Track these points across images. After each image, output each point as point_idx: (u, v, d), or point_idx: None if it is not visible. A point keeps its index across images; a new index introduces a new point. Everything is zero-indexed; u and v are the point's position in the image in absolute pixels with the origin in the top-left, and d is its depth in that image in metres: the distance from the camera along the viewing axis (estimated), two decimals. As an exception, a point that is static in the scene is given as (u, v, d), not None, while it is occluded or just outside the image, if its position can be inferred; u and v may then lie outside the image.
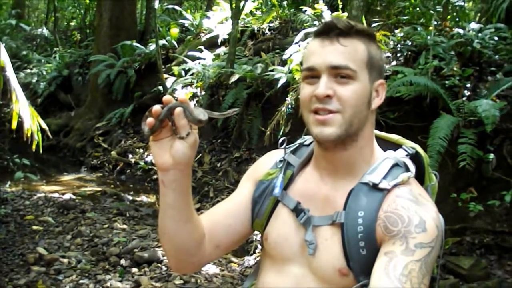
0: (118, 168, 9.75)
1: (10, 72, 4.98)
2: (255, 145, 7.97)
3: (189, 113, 1.24)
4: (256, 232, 1.56)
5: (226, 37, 10.18)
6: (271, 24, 10.42)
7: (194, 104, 8.82)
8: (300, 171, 1.50)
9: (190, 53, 10.12)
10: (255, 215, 1.51)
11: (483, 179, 5.27)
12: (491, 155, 5.16)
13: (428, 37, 6.42)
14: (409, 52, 6.75)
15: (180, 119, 1.23)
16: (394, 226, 1.24)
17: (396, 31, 7.49)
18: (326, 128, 1.31)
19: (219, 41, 10.36)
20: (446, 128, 5.13)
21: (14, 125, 5.00)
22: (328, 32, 1.34)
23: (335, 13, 8.21)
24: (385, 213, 1.27)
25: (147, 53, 11.62)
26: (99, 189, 8.43)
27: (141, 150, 9.81)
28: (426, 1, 10.00)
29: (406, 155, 1.41)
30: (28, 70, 14.89)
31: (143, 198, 8.07)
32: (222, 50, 10.13)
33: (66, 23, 21.44)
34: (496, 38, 6.53)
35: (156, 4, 11.66)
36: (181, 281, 4.55)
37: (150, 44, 11.91)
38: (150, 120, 1.23)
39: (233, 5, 9.00)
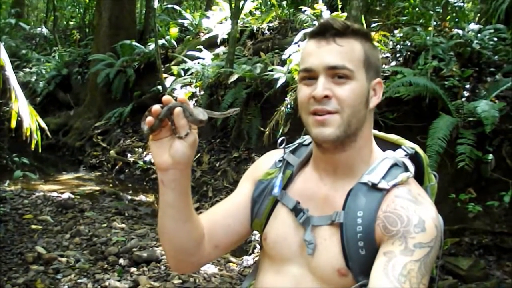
0: (117, 167, 9.74)
1: (9, 71, 4.98)
2: (254, 145, 7.97)
3: (188, 113, 1.24)
4: (255, 232, 1.56)
5: (226, 36, 10.18)
6: (271, 24, 10.42)
7: (194, 104, 8.83)
8: (300, 171, 1.50)
9: (189, 52, 10.11)
10: (254, 215, 1.51)
11: (482, 180, 5.27)
12: (490, 156, 5.16)
13: (428, 38, 6.42)
14: (409, 53, 6.75)
15: (179, 119, 1.23)
16: (393, 226, 1.24)
17: (396, 31, 7.49)
18: (325, 129, 1.31)
19: (218, 40, 10.36)
20: (445, 129, 5.13)
21: (13, 124, 5.01)
22: (324, 32, 1.34)
23: (334, 13, 8.21)
24: (384, 213, 1.27)
25: (146, 52, 11.61)
26: (98, 188, 8.43)
27: (140, 150, 9.80)
28: (426, 1, 10.01)
29: (405, 155, 1.41)
30: (27, 69, 14.89)
31: (142, 197, 8.07)
32: (221, 49, 10.13)
33: (65, 22, 21.44)
34: (495, 39, 6.54)
35: (156, 4, 11.65)
36: (180, 281, 4.55)
37: (149, 43, 11.91)
38: (149, 119, 1.23)
39: (233, 5, 9.00)
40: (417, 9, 10.13)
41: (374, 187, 1.31)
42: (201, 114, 1.28)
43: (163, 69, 10.33)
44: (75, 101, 13.07)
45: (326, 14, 8.12)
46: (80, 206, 6.76)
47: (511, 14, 7.10)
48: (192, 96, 9.26)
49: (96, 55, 12.07)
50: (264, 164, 1.57)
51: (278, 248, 1.45)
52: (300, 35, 7.86)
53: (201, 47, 10.23)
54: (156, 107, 1.23)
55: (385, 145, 1.47)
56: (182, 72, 9.81)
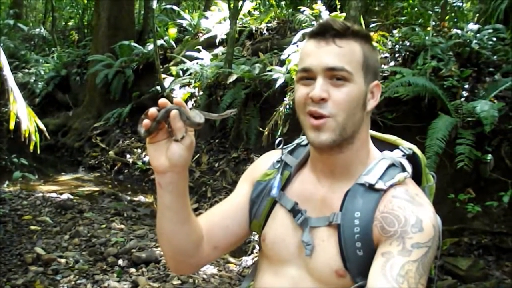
0: (116, 168, 9.74)
1: (7, 72, 4.99)
2: (253, 145, 7.97)
3: (185, 116, 1.24)
4: (254, 232, 1.56)
5: (224, 37, 10.18)
6: (269, 24, 10.42)
7: (192, 105, 8.83)
8: (298, 172, 1.50)
9: (188, 53, 10.10)
10: (253, 216, 1.51)
11: (481, 180, 5.27)
12: (489, 156, 5.16)
13: (426, 38, 6.42)
14: (407, 53, 6.75)
15: (175, 121, 1.22)
16: (391, 226, 1.24)
17: (394, 31, 7.48)
18: (321, 134, 1.31)
19: (217, 41, 10.35)
20: (444, 129, 5.13)
21: (11, 125, 5.01)
22: (324, 33, 1.33)
23: (333, 14, 8.21)
24: (382, 214, 1.27)
25: (145, 53, 11.61)
26: (97, 189, 8.43)
27: (139, 150, 9.80)
28: (425, 1, 10.01)
29: (403, 156, 1.41)
30: (26, 70, 14.87)
31: (141, 198, 8.07)
32: (220, 50, 10.12)
33: (64, 23, 21.44)
34: (494, 39, 6.53)
35: (154, 4, 11.64)
36: (179, 282, 4.55)
37: (148, 44, 11.90)
38: (146, 121, 1.23)
39: (231, 5, 9.00)
40: (416, 9, 10.13)
41: (371, 187, 1.31)
42: (198, 116, 1.27)
43: (161, 70, 10.32)
44: (74, 101, 13.07)
45: (325, 15, 8.12)
46: (79, 207, 6.77)
47: (510, 14, 7.10)
48: (191, 96, 9.26)
49: (95, 56, 12.07)
50: (262, 165, 1.56)
51: (276, 249, 1.44)
52: (299, 35, 7.85)
53: (199, 47, 10.22)
54: (152, 110, 1.23)
55: (383, 145, 1.47)
56: (181, 73, 9.80)
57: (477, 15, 8.73)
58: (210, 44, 10.53)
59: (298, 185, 1.47)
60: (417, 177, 1.42)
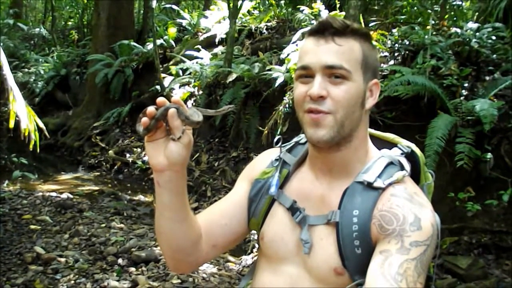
0: (115, 167, 9.75)
1: (7, 72, 4.99)
2: (252, 144, 7.97)
3: (184, 115, 1.24)
4: (253, 231, 1.56)
5: (224, 36, 10.18)
6: (269, 24, 10.42)
7: (192, 104, 8.83)
8: (296, 170, 1.50)
9: (188, 52, 10.10)
10: (251, 214, 1.51)
11: (481, 179, 5.27)
12: (489, 155, 5.16)
13: (426, 37, 6.42)
14: (407, 52, 6.74)
15: (173, 120, 1.22)
16: (389, 224, 1.24)
17: (394, 30, 7.48)
18: (319, 130, 1.31)
19: (216, 40, 10.35)
20: (444, 128, 5.13)
21: (11, 124, 5.01)
22: (323, 31, 1.33)
23: (332, 12, 8.21)
24: (380, 212, 1.27)
25: (144, 52, 11.61)
26: (96, 188, 8.43)
27: (139, 150, 9.80)
28: (424, 0, 10.01)
29: (401, 154, 1.41)
30: (26, 70, 14.89)
31: (141, 197, 8.07)
32: (219, 49, 10.12)
33: (63, 23, 21.47)
34: (494, 37, 6.53)
35: (154, 4, 11.65)
36: (179, 281, 4.55)
37: (147, 43, 11.90)
38: (144, 119, 1.23)
39: (231, 5, 9.00)
40: (415, 8, 10.12)
41: (369, 186, 1.31)
42: (196, 115, 1.28)
43: (161, 69, 10.33)
44: (74, 101, 13.09)
45: (324, 13, 8.12)
46: (79, 206, 6.77)
47: (510, 12, 7.10)
48: (191, 95, 9.26)
49: (95, 55, 12.07)
50: (261, 163, 1.56)
51: (275, 247, 1.44)
52: (298, 34, 7.85)
53: (199, 46, 10.22)
54: (150, 109, 1.23)
55: (381, 144, 1.47)
56: (180, 72, 9.80)
57: (477, 13, 8.73)
58: (209, 43, 10.54)
59: (297, 183, 1.47)
60: (415, 175, 1.42)
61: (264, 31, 10.22)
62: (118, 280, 4.52)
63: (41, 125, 5.43)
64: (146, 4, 13.51)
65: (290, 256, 1.41)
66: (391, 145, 1.46)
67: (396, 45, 6.95)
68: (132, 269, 4.80)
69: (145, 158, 9.28)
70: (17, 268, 4.72)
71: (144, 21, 13.78)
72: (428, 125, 5.25)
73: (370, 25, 8.17)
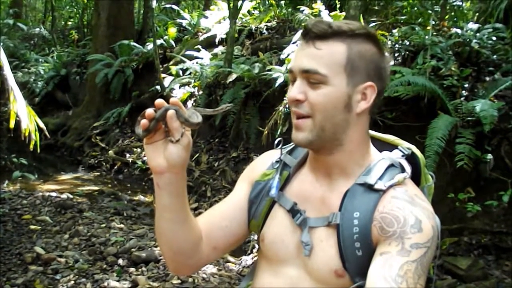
0: (115, 167, 9.75)
1: (8, 72, 4.99)
2: (252, 144, 7.97)
3: (183, 117, 1.24)
4: (253, 232, 1.56)
5: (224, 36, 10.18)
6: (269, 24, 10.42)
7: (192, 104, 8.83)
8: (297, 172, 1.49)
9: (188, 52, 10.10)
10: (252, 216, 1.50)
11: (481, 179, 5.27)
12: (489, 155, 5.16)
13: (426, 37, 6.42)
14: (407, 52, 6.74)
15: (172, 121, 1.22)
16: (390, 226, 1.23)
17: (394, 30, 7.48)
18: (298, 133, 1.33)
19: (216, 40, 10.35)
20: (444, 128, 5.13)
21: (11, 124, 5.01)
22: (305, 35, 1.33)
23: (333, 13, 8.21)
24: (381, 214, 1.27)
25: (144, 52, 11.61)
26: (96, 188, 8.44)
27: (139, 150, 9.80)
28: (424, 0, 10.00)
29: (402, 156, 1.40)
30: (26, 70, 14.89)
31: (141, 197, 8.07)
32: (219, 49, 10.12)
33: (63, 23, 21.47)
34: (494, 38, 6.53)
35: (154, 4, 11.65)
36: (179, 281, 4.56)
37: (147, 43, 11.90)
38: (144, 121, 1.23)
39: (231, 5, 9.00)
40: (415, 8, 10.11)
41: (370, 188, 1.31)
42: (195, 116, 1.27)
43: (161, 69, 10.33)
44: (74, 101, 13.09)
45: (325, 14, 8.11)
46: (79, 206, 6.77)
47: (510, 13, 7.11)
48: (191, 96, 9.27)
49: (95, 55, 12.07)
50: (261, 165, 1.56)
51: (275, 249, 1.44)
52: (298, 34, 7.84)
53: (199, 47, 10.22)
54: (149, 111, 1.23)
55: (382, 145, 1.46)
56: (180, 72, 9.81)
57: (477, 14, 8.73)
58: (209, 44, 10.54)
59: (297, 185, 1.46)
60: (416, 177, 1.42)
61: (264, 31, 10.22)
62: (118, 281, 4.52)
63: (42, 125, 5.44)
64: (146, 4, 13.52)
65: (290, 258, 1.41)
66: (391, 146, 1.45)
67: (397, 45, 6.94)
68: (132, 269, 4.81)
69: (145, 158, 9.26)
70: (17, 268, 4.72)
71: (144, 21, 13.79)
72: (428, 126, 5.25)
73: (371, 25, 8.15)
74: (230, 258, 5.39)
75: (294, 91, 1.31)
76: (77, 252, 5.14)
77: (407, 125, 5.80)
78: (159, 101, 1.24)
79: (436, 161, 4.96)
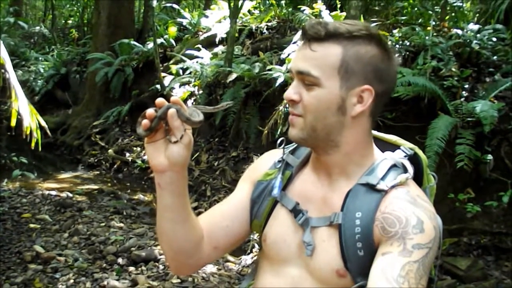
0: (115, 166, 9.74)
1: (9, 70, 4.98)
2: (252, 144, 7.97)
3: (184, 116, 1.23)
4: (253, 232, 1.56)
5: (224, 36, 10.17)
6: (269, 23, 10.40)
7: (192, 103, 8.82)
8: (299, 172, 1.49)
9: (188, 51, 10.09)
10: (254, 216, 1.50)
11: (481, 180, 5.28)
12: (489, 156, 5.17)
13: (427, 38, 6.43)
14: (408, 53, 6.75)
15: (173, 120, 1.22)
16: (392, 227, 1.23)
17: (395, 31, 7.48)
18: (291, 129, 1.37)
19: (217, 40, 10.34)
20: (444, 129, 5.14)
21: (13, 122, 5.00)
22: (303, 36, 1.34)
23: (333, 13, 8.21)
24: (383, 214, 1.27)
25: (145, 51, 11.60)
26: (96, 187, 8.44)
27: (138, 149, 9.79)
28: (425, 1, 10.00)
29: (405, 156, 1.40)
30: (26, 68, 14.88)
31: (140, 196, 8.07)
32: (220, 49, 10.11)
33: (63, 21, 21.46)
34: (494, 39, 6.54)
35: (154, 3, 11.66)
36: (178, 280, 4.56)
37: (148, 42, 11.89)
38: (145, 121, 1.23)
39: (231, 4, 8.99)
40: (416, 9, 10.12)
41: (372, 188, 1.30)
42: (196, 114, 1.27)
43: (161, 68, 10.32)
44: (74, 100, 13.07)
45: (325, 14, 8.11)
46: (78, 205, 6.77)
47: (510, 14, 7.11)
48: (191, 95, 9.26)
49: (95, 54, 12.06)
50: (263, 164, 1.56)
51: (277, 249, 1.44)
52: (298, 34, 7.83)
53: (199, 46, 10.21)
54: (150, 111, 1.23)
55: (384, 146, 1.46)
56: (180, 71, 9.80)
57: (477, 15, 8.74)
58: (210, 43, 10.53)
59: (299, 185, 1.46)
60: (418, 177, 1.42)
61: (265, 31, 10.21)
62: (117, 280, 4.52)
63: (43, 123, 5.43)
64: (146, 3, 13.52)
65: (292, 258, 1.41)
66: (394, 147, 1.45)
67: (397, 46, 6.94)
68: (132, 268, 4.81)
69: (145, 157, 9.26)
70: (17, 267, 4.72)
71: (145, 20, 13.78)
72: (428, 126, 5.26)
73: (371, 25, 8.17)
74: (230, 258, 5.40)
75: (290, 91, 1.33)
76: (76, 251, 5.14)
77: (407, 126, 5.80)
78: (159, 100, 1.25)
79: (436, 161, 4.97)
